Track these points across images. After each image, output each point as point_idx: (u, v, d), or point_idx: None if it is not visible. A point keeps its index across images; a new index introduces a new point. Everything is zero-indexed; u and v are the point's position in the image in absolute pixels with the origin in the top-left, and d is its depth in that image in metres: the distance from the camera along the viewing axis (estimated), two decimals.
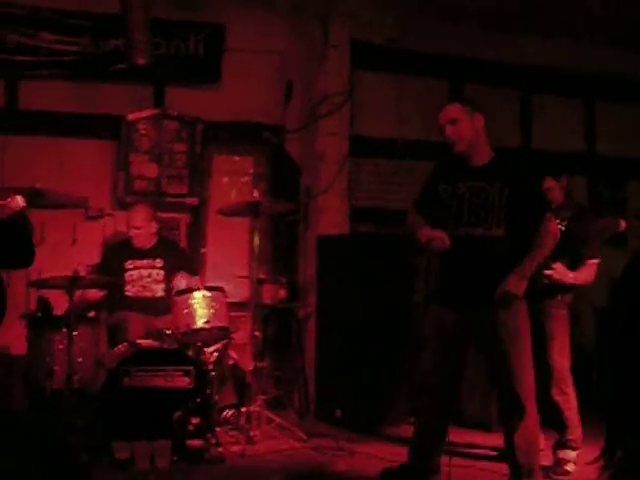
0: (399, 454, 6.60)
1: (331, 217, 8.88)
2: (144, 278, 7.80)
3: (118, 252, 7.90)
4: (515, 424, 5.43)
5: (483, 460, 6.65)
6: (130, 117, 8.61)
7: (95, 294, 7.57)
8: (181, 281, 7.57)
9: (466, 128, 5.54)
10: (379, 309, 8.00)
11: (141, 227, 7.80)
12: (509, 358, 5.39)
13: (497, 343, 5.42)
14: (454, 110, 5.61)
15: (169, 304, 7.17)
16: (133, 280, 7.78)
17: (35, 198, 6.70)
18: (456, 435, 7.28)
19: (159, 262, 7.85)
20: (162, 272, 7.83)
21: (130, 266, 7.80)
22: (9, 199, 6.05)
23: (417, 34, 9.11)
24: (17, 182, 7.38)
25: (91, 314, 7.40)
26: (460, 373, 5.76)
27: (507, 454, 5.59)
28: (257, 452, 6.74)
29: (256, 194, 7.45)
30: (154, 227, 7.90)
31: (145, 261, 7.83)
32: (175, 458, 6.28)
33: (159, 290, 7.80)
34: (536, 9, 9.03)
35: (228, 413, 7.42)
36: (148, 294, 7.77)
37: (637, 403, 4.33)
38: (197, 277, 7.83)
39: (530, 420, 5.44)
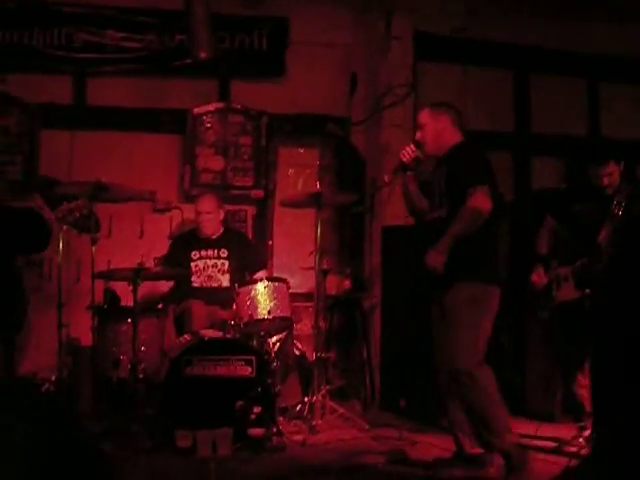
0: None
1: (396, 208, 8.85)
2: (210, 268, 7.90)
3: (184, 243, 8.01)
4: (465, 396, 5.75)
5: (544, 452, 6.60)
6: (196, 111, 8.73)
7: (162, 287, 7.70)
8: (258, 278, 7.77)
9: (430, 132, 5.95)
10: None
11: (211, 212, 7.91)
12: (444, 336, 5.78)
13: (439, 321, 5.85)
14: (422, 115, 6.07)
15: (233, 295, 7.24)
16: (199, 270, 7.88)
17: (101, 192, 6.84)
18: (519, 426, 7.33)
19: (224, 252, 7.94)
20: (227, 262, 7.93)
21: (195, 256, 7.90)
22: (81, 201, 6.28)
23: (480, 24, 9.07)
24: (85, 177, 7.55)
25: (159, 306, 7.50)
26: None
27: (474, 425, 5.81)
28: (318, 441, 6.76)
29: (318, 186, 7.49)
30: (222, 214, 8.03)
31: (210, 251, 7.93)
32: (237, 446, 6.33)
33: (225, 280, 7.88)
34: None
35: (293, 404, 7.49)
36: (214, 284, 7.87)
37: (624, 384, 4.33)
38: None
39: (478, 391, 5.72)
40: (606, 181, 6.56)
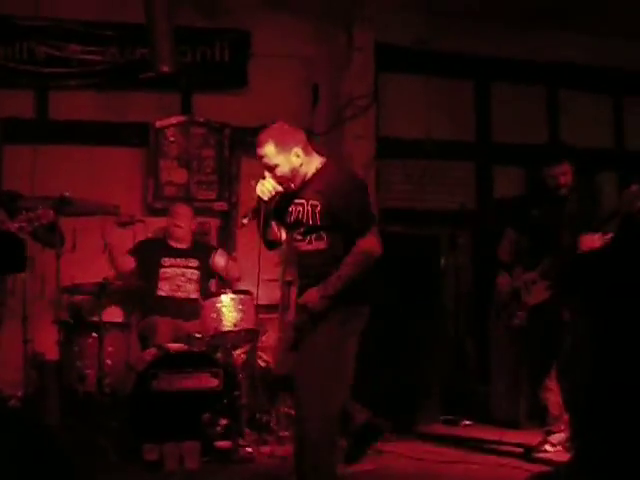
0: (428, 452, 6.70)
1: None
2: (178, 277, 7.90)
3: (153, 248, 8.01)
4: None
5: (509, 457, 6.67)
6: (158, 124, 8.72)
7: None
8: (219, 259, 7.98)
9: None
10: (408, 309, 8.04)
11: (184, 221, 7.97)
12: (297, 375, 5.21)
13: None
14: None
15: (198, 307, 7.25)
16: (167, 278, 7.87)
17: (65, 206, 6.82)
18: (484, 432, 7.40)
19: (194, 262, 7.96)
20: (197, 272, 7.95)
21: (166, 263, 7.91)
22: (40, 211, 6.20)
23: (441, 35, 9.12)
24: (48, 191, 7.52)
25: (120, 319, 7.50)
26: None
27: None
28: (286, 452, 6.76)
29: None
30: (194, 225, 8.08)
31: (180, 260, 7.94)
32: (204, 459, 6.35)
33: (192, 291, 7.89)
34: (561, 5, 9.01)
35: (259, 415, 7.49)
36: (181, 295, 7.86)
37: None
38: (234, 255, 8.13)
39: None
40: (562, 180, 6.64)
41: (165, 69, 7.82)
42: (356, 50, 8.96)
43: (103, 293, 6.82)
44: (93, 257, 8.06)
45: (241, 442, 6.61)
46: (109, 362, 6.85)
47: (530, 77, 9.93)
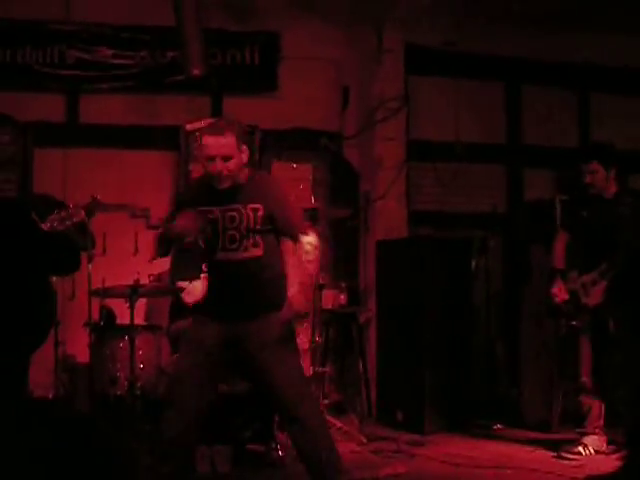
0: (457, 456, 6.65)
1: (390, 222, 8.92)
2: None
3: (192, 254, 7.96)
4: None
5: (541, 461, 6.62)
6: (188, 127, 8.72)
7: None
8: None
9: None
10: (439, 312, 8.02)
11: None
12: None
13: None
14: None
15: None
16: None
17: (95, 209, 6.82)
18: (516, 435, 7.35)
19: None
20: None
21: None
22: (71, 209, 6.20)
23: (471, 37, 9.09)
24: (79, 194, 7.51)
25: (151, 322, 7.48)
26: None
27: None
28: None
29: (314, 200, 7.49)
30: None
31: None
32: (235, 462, 6.34)
33: None
34: (592, 6, 8.94)
35: None
36: None
37: None
38: None
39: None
40: (589, 179, 6.62)
41: (195, 72, 7.84)
42: (386, 52, 8.95)
43: (134, 296, 6.82)
44: (124, 260, 8.09)
45: (272, 445, 6.59)
46: (140, 365, 6.85)
47: (561, 79, 9.86)
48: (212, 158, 5.06)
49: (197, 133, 5.39)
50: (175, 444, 5.26)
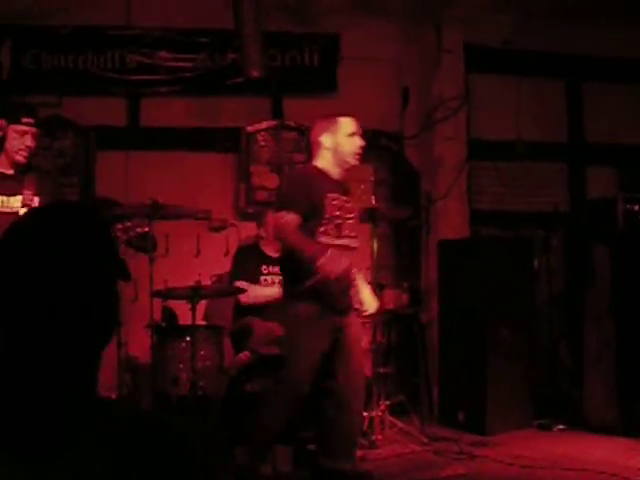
0: (519, 457, 6.60)
1: (451, 221, 8.90)
2: (276, 284, 7.89)
3: (252, 255, 7.97)
4: None
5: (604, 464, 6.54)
6: (249, 129, 8.78)
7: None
8: None
9: None
10: (501, 312, 7.97)
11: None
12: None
13: None
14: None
15: None
16: (268, 285, 7.88)
17: (157, 211, 6.89)
18: (578, 437, 7.27)
19: None
20: None
21: (266, 271, 7.90)
22: (135, 222, 6.34)
23: (532, 35, 9.03)
24: (140, 196, 7.60)
25: (213, 323, 7.53)
26: None
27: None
28: (379, 456, 6.76)
29: (374, 200, 7.47)
30: None
31: (276, 268, 7.92)
32: (296, 463, 6.35)
33: None
34: None
35: None
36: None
37: None
38: None
39: None
40: None
41: (255, 74, 7.88)
42: (445, 51, 8.94)
43: (196, 297, 6.86)
44: (186, 261, 8.15)
45: None
46: (202, 365, 6.89)
47: (623, 76, 9.76)
48: (353, 134, 5.68)
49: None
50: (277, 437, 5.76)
